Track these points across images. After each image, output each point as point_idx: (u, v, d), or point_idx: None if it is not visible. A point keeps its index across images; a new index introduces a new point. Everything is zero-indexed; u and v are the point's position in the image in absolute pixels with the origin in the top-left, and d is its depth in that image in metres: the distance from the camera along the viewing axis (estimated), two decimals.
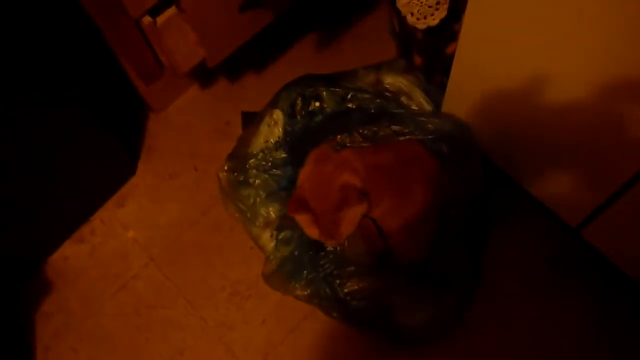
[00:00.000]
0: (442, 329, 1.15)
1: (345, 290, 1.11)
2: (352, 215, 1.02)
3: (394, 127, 1.15)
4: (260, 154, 1.18)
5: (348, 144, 1.16)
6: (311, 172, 1.10)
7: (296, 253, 1.15)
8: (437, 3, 1.05)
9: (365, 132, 1.16)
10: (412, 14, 1.08)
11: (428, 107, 1.23)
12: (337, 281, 1.11)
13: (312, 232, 1.03)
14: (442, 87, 1.21)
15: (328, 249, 1.12)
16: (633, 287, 1.14)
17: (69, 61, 1.08)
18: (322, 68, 1.44)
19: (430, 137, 1.12)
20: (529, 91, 0.97)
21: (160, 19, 1.03)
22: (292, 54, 1.51)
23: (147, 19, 1.03)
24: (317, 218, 1.01)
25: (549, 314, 1.20)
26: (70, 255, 1.33)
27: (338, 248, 1.13)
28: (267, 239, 1.19)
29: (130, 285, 1.30)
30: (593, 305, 1.19)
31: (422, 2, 1.05)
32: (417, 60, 1.25)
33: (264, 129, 1.23)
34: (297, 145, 1.20)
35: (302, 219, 1.04)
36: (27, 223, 1.23)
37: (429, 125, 1.14)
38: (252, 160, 1.18)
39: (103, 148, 1.26)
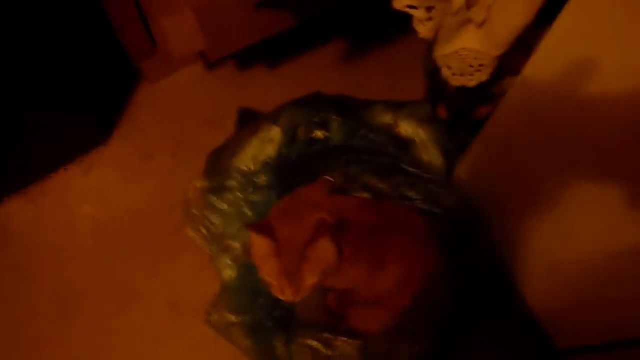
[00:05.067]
0: None
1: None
2: (320, 256, 0.86)
3: (403, 190, 0.98)
4: (241, 177, 1.03)
5: (347, 191, 1.01)
6: (290, 203, 0.95)
7: (251, 293, 1.02)
8: (480, 65, 0.88)
9: (370, 182, 1.01)
10: (448, 67, 0.92)
11: (441, 167, 1.08)
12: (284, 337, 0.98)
13: (270, 269, 0.86)
14: (462, 146, 1.07)
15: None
16: None
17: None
18: (341, 81, 1.31)
19: (439, 211, 0.97)
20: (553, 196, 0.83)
21: None
22: (314, 56, 1.35)
23: None
24: (279, 250, 0.86)
25: None
26: (13, 213, 1.21)
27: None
28: (225, 264, 1.06)
29: (67, 265, 1.17)
30: None
31: (463, 58, 0.88)
32: (442, 112, 1.10)
33: (256, 143, 1.08)
34: (288, 172, 1.05)
35: (262, 249, 0.86)
36: None
37: (441, 198, 0.98)
38: (232, 182, 1.04)
39: (70, 106, 1.11)
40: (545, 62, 0.74)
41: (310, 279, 0.85)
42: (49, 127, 1.13)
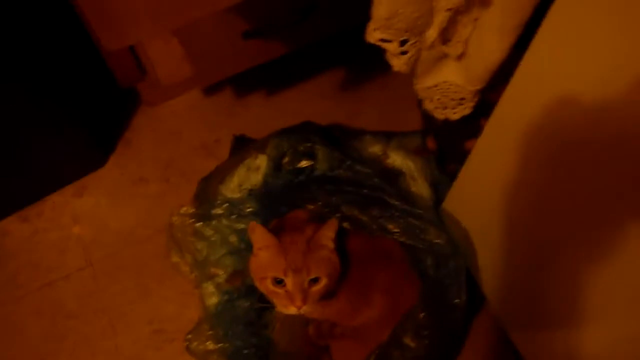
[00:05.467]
0: None
1: None
2: (324, 251, 0.86)
3: (383, 223, 0.97)
4: (227, 205, 1.03)
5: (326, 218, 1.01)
6: (283, 222, 0.96)
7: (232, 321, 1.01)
8: (462, 99, 0.88)
9: (350, 214, 1.00)
10: (431, 100, 0.91)
11: (429, 198, 1.06)
12: None
13: (276, 264, 0.85)
14: (453, 178, 1.06)
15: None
16: None
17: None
18: (336, 109, 1.31)
19: (419, 246, 0.96)
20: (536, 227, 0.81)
21: None
22: (308, 87, 1.36)
23: None
24: (285, 248, 0.85)
25: None
26: (10, 232, 1.23)
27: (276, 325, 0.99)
28: (207, 291, 1.05)
29: (58, 285, 1.18)
30: None
31: (444, 92, 0.88)
32: (431, 144, 1.09)
33: (242, 170, 1.09)
34: (273, 200, 1.05)
35: (266, 247, 0.87)
36: None
37: (422, 232, 0.97)
38: (218, 209, 1.04)
39: (68, 131, 1.13)
40: (521, 91, 0.73)
41: (317, 275, 0.84)
42: (48, 152, 1.15)
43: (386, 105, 1.32)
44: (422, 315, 0.87)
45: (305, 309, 0.84)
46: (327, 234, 0.86)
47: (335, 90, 1.35)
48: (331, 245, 0.86)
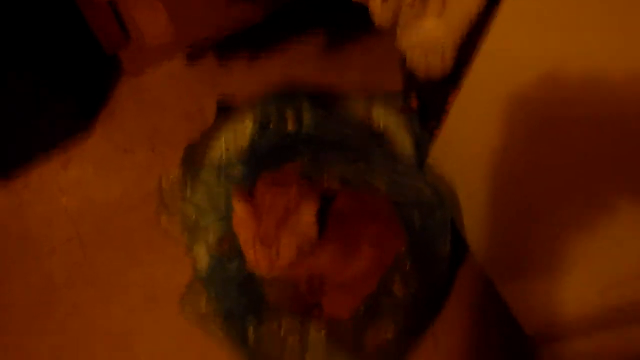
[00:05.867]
0: None
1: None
2: (300, 228, 0.88)
3: (369, 179, 1.00)
4: (214, 169, 1.04)
5: (315, 177, 1.03)
6: (274, 177, 0.97)
7: (223, 282, 1.03)
8: (443, 53, 0.89)
9: (338, 171, 1.02)
10: (413, 56, 0.92)
11: (412, 155, 1.08)
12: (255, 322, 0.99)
13: (247, 236, 0.88)
14: (434, 137, 1.08)
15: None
16: None
17: None
18: (317, 74, 1.32)
19: (406, 200, 0.98)
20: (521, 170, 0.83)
21: None
22: (290, 50, 1.36)
23: None
24: (260, 217, 0.87)
25: None
26: None
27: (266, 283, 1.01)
28: (198, 254, 1.07)
29: (47, 257, 1.18)
30: None
31: (426, 47, 0.89)
32: (414, 102, 1.11)
33: (229, 134, 1.09)
34: (260, 163, 1.06)
35: (242, 214, 0.89)
36: None
37: (407, 186, 0.99)
38: (205, 174, 1.05)
39: (50, 99, 1.13)
40: (496, 44, 0.75)
41: (285, 252, 0.86)
42: (31, 120, 1.15)
43: (368, 68, 1.33)
44: (408, 265, 0.90)
45: (270, 274, 0.86)
46: (309, 209, 0.86)
47: (317, 55, 1.35)
48: (312, 218, 0.87)
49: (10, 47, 0.96)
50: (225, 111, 1.23)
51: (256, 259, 0.87)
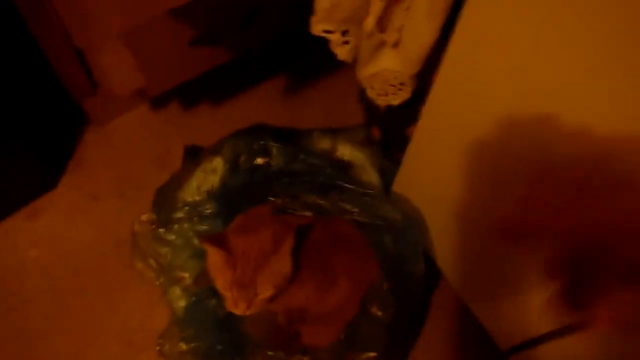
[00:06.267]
0: None
1: None
2: (277, 268, 0.88)
3: (341, 205, 1.04)
4: (187, 208, 1.06)
5: (290, 210, 1.06)
6: (243, 222, 0.97)
7: (202, 321, 1.03)
8: (401, 84, 0.95)
9: (310, 200, 1.06)
10: (372, 88, 0.98)
11: (379, 185, 1.13)
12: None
13: (224, 281, 0.86)
14: (398, 165, 1.12)
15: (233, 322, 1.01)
16: None
17: None
18: (281, 115, 1.36)
19: (376, 222, 1.02)
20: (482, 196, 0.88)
21: None
22: (254, 93, 1.41)
23: None
24: (234, 263, 0.86)
25: None
26: None
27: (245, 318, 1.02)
28: (175, 295, 1.07)
29: (21, 309, 1.16)
30: None
31: (384, 79, 0.95)
32: (376, 133, 1.16)
33: (199, 174, 1.12)
34: (232, 200, 1.09)
35: (216, 261, 0.87)
36: None
37: (377, 210, 1.03)
38: (178, 213, 1.07)
39: (16, 154, 1.13)
40: (453, 71, 0.80)
41: (264, 292, 0.87)
42: None
43: (329, 105, 1.39)
44: (385, 286, 0.93)
45: (249, 313, 0.87)
46: (284, 248, 0.86)
47: (279, 95, 1.40)
48: (287, 257, 0.87)
49: None
50: (194, 154, 1.26)
51: (234, 301, 0.87)
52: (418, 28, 0.83)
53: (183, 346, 1.02)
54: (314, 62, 1.43)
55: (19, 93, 1.14)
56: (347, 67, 1.37)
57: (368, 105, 1.16)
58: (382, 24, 0.83)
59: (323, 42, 0.89)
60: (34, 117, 1.22)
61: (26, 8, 0.89)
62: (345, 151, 1.17)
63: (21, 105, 1.15)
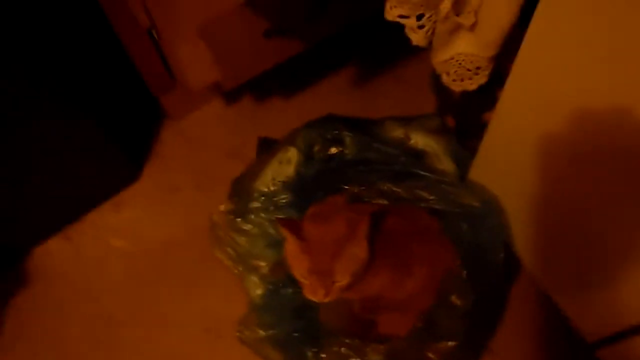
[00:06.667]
0: None
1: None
2: (353, 254, 0.88)
3: (418, 192, 1.02)
4: (263, 198, 1.08)
5: (365, 199, 1.05)
6: (318, 210, 0.98)
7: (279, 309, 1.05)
8: (478, 68, 0.93)
9: (385, 188, 1.05)
10: (447, 74, 0.96)
11: (454, 174, 1.11)
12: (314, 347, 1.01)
13: (301, 268, 0.87)
14: (474, 153, 1.10)
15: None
16: None
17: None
18: (353, 105, 1.36)
19: (453, 210, 1.00)
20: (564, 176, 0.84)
21: None
22: (326, 84, 1.41)
23: None
24: (311, 249, 0.86)
25: None
26: (55, 252, 1.28)
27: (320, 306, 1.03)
28: (252, 283, 1.10)
29: (104, 298, 1.22)
30: None
31: (460, 64, 0.93)
32: (451, 121, 1.14)
33: (274, 165, 1.14)
34: (307, 189, 1.10)
35: (293, 248, 0.88)
36: (15, 210, 1.18)
37: (455, 197, 1.02)
38: (254, 203, 1.09)
39: (103, 150, 1.19)
40: (530, 58, 0.78)
41: (341, 279, 0.87)
42: (84, 171, 1.21)
43: (400, 94, 1.37)
44: (464, 274, 0.91)
45: (328, 300, 0.87)
46: (360, 233, 0.86)
47: (350, 86, 1.41)
48: (363, 241, 0.87)
49: (72, 98, 1.02)
50: (267, 145, 1.28)
51: (312, 289, 0.88)
52: (496, 9, 0.81)
53: (261, 333, 1.04)
54: (383, 52, 1.43)
55: (105, 91, 1.20)
56: (417, 57, 1.38)
57: (441, 93, 1.14)
58: (458, 6, 0.81)
59: (392, 30, 0.88)
60: (118, 113, 1.27)
61: (110, 6, 0.93)
62: (419, 139, 1.15)
63: (108, 103, 1.22)
